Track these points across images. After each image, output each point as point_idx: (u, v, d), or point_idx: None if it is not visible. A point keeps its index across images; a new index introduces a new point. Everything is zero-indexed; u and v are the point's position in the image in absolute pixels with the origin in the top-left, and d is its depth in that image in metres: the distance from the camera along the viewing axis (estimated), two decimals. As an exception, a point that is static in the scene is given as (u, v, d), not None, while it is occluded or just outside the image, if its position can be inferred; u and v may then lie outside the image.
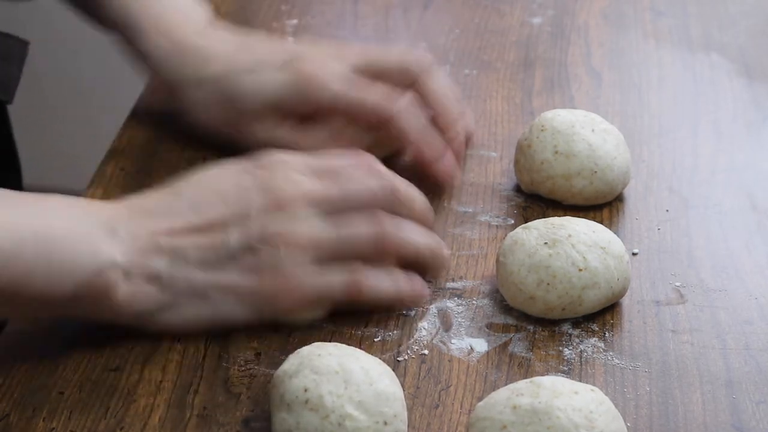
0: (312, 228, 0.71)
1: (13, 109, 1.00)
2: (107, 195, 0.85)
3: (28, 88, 0.98)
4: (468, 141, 0.90)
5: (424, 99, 0.85)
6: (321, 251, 0.71)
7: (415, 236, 0.75)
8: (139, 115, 0.95)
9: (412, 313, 0.74)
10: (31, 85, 0.97)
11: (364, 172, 0.74)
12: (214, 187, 0.72)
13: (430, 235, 0.76)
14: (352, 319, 0.74)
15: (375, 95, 0.84)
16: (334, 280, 0.72)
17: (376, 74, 0.86)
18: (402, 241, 0.74)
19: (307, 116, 0.85)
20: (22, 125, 1.08)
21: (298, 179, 0.72)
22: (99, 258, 0.67)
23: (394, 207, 0.74)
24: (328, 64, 0.85)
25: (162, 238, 0.69)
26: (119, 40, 0.92)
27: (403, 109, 0.83)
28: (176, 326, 0.71)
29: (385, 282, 0.73)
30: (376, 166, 0.75)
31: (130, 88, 1.06)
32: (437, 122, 0.86)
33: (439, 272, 0.77)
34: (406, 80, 0.86)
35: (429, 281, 0.76)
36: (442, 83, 0.88)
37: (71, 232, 0.67)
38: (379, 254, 0.73)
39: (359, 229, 0.72)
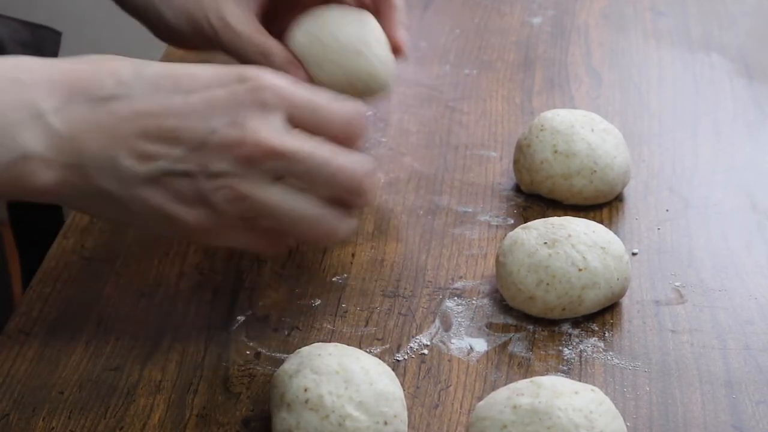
0: (258, 185, 0.65)
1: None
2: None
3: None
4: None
5: None
6: (255, 210, 0.65)
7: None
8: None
9: (413, 312, 0.74)
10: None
11: (343, 149, 0.67)
12: (186, 86, 0.65)
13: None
14: (352, 319, 0.74)
15: None
16: (253, 241, 0.67)
17: None
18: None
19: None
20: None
21: (273, 128, 0.65)
22: (15, 148, 0.62)
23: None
24: None
25: (97, 130, 0.63)
26: None
27: None
28: (101, 217, 0.69)
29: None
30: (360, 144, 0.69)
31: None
32: None
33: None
34: None
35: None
36: None
37: None
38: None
39: (306, 215, 0.66)
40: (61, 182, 0.64)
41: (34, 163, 0.63)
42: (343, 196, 0.67)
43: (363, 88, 0.81)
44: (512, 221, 0.83)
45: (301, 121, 0.66)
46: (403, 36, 0.84)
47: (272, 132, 0.64)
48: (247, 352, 0.71)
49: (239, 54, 0.83)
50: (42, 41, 0.94)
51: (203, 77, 0.65)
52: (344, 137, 0.67)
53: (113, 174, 0.64)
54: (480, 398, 0.67)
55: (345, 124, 0.67)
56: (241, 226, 0.66)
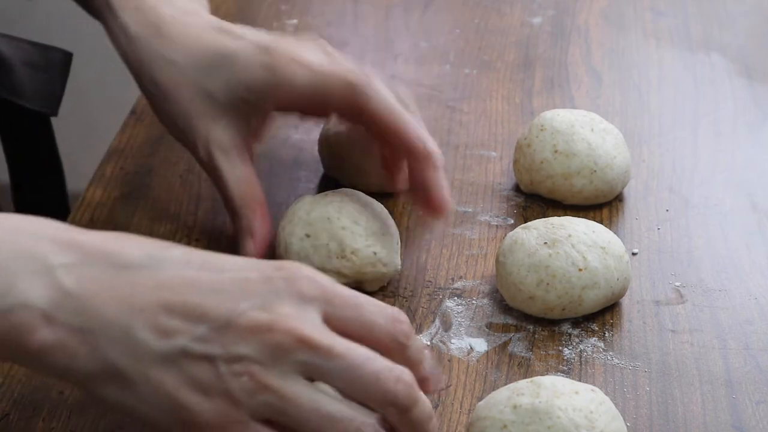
0: (283, 377, 0.56)
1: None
2: (107, 194, 0.85)
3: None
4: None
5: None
6: (276, 405, 0.56)
7: None
8: (139, 115, 0.95)
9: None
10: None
11: (383, 361, 0.58)
12: (218, 266, 0.59)
13: None
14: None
15: (351, 68, 0.76)
16: None
17: None
18: None
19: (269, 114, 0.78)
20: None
21: (307, 319, 0.57)
22: (11, 297, 0.56)
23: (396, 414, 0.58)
24: (303, 46, 0.76)
25: (113, 295, 0.57)
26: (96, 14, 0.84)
27: (377, 79, 0.76)
28: (101, 399, 0.58)
29: None
30: (406, 365, 0.58)
31: (130, 88, 1.06)
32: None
33: None
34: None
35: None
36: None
37: None
38: None
39: (335, 416, 0.57)
40: (60, 345, 0.56)
41: (33, 317, 0.56)
42: (384, 408, 0.57)
43: (376, 277, 0.76)
44: (512, 221, 0.83)
45: (340, 320, 0.58)
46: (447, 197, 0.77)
47: (306, 322, 0.57)
48: (247, 352, 0.71)
49: (213, 181, 0.78)
50: (52, 63, 0.92)
51: (237, 260, 0.59)
52: (389, 344, 0.59)
53: (125, 346, 0.56)
54: (480, 398, 0.67)
55: (390, 327, 0.59)
56: (256, 426, 0.56)
